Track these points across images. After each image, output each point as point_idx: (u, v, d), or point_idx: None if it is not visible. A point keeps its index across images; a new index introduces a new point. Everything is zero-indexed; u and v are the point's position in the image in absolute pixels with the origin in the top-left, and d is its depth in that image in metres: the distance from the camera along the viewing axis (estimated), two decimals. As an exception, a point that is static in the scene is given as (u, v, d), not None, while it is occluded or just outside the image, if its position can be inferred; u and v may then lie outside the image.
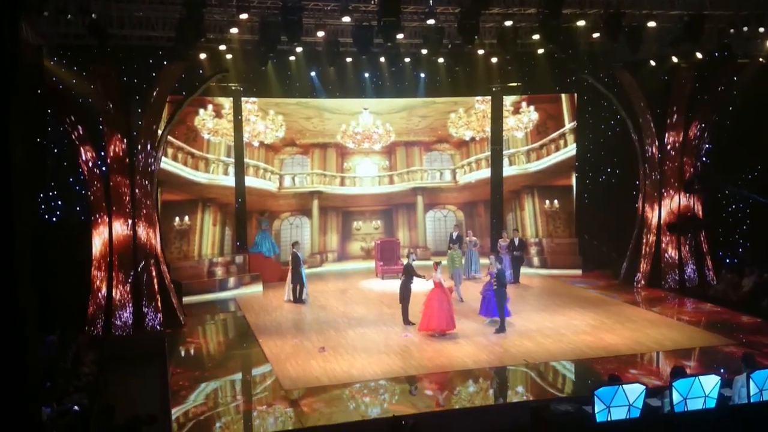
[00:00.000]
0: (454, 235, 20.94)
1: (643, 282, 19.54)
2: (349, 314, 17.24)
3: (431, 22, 15.86)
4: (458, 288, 18.31)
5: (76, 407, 10.26)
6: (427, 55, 19.16)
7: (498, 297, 15.41)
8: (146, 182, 15.96)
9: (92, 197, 15.85)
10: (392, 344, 14.73)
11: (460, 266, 19.22)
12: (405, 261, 17.06)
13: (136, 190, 15.80)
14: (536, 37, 17.25)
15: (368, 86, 21.73)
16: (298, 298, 18.55)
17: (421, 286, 16.02)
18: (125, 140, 15.66)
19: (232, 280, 20.06)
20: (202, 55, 17.31)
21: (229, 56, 17.86)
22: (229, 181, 20.98)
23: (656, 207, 19.44)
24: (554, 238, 22.74)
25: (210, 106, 20.46)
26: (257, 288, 20.09)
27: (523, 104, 23.04)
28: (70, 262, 16.14)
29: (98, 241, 15.83)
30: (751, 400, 9.23)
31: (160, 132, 16.41)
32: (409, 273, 16.08)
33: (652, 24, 15.92)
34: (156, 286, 15.99)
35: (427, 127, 23.35)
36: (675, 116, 18.92)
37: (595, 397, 8.68)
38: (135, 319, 15.59)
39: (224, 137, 20.82)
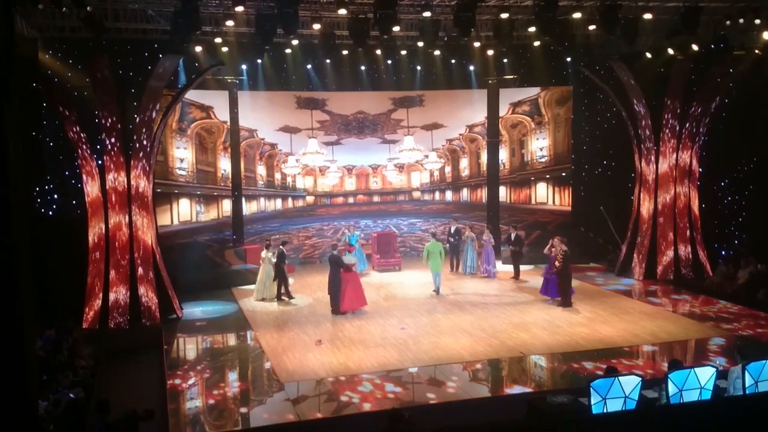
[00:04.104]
0: (452, 228, 20.94)
1: (638, 274, 19.56)
2: (346, 307, 17.24)
3: (427, 14, 15.89)
4: (435, 281, 18.30)
5: (71, 394, 10.26)
6: (424, 48, 19.16)
7: (561, 277, 16.70)
8: (142, 175, 15.92)
9: (88, 191, 15.81)
10: (389, 337, 14.76)
11: (435, 265, 18.21)
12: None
13: (132, 184, 15.77)
14: (532, 29, 17.26)
15: (364, 79, 21.72)
16: (285, 293, 18.21)
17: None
18: (121, 134, 15.61)
19: (228, 273, 20.01)
20: (198, 48, 17.30)
21: (225, 49, 17.85)
22: (226, 174, 20.92)
23: (652, 199, 19.45)
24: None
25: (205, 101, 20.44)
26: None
27: (519, 96, 23.05)
28: (67, 255, 16.10)
29: (94, 234, 15.80)
30: (747, 392, 9.26)
31: (155, 125, 16.37)
32: (335, 265, 16.55)
33: (648, 16, 15.94)
34: (152, 279, 15.98)
35: (422, 120, 23.31)
36: (671, 108, 18.90)
37: (592, 389, 8.70)
38: (131, 312, 15.59)
39: (220, 130, 20.78)
